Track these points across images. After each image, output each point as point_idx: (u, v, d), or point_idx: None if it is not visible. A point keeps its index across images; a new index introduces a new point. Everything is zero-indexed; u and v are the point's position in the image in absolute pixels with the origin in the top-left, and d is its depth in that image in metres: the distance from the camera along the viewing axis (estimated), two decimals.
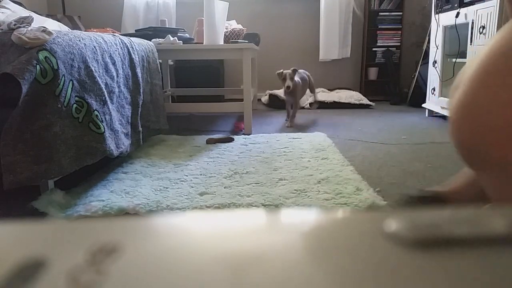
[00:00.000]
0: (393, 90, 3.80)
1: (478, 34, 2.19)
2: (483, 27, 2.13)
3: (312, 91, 3.03)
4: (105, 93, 1.44)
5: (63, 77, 1.23)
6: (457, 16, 2.42)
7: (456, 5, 2.45)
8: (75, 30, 1.60)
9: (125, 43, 1.75)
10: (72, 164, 1.27)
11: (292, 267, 0.17)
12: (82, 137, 1.30)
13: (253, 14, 4.07)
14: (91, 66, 1.38)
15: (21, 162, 1.14)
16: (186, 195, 1.31)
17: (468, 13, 2.32)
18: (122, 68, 1.66)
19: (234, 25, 2.92)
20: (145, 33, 2.57)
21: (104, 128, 1.39)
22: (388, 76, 3.90)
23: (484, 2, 2.14)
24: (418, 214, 0.21)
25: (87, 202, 1.26)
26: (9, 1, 2.34)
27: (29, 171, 1.15)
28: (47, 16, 3.10)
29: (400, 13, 3.90)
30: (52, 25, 2.37)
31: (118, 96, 1.59)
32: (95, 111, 1.36)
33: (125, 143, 1.59)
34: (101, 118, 1.39)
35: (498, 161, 0.53)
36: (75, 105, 1.28)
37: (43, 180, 1.21)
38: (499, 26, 2.00)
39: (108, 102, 1.46)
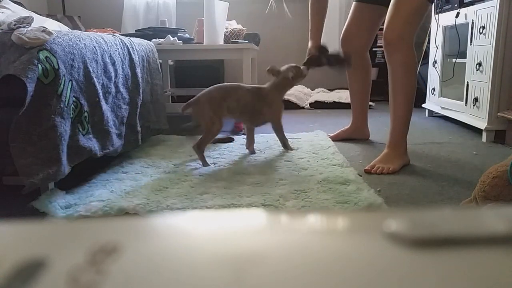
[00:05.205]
0: None
1: (478, 34, 2.19)
2: (483, 27, 2.13)
3: None
4: (100, 94, 1.44)
5: (64, 77, 1.23)
6: (457, 16, 2.42)
7: (456, 5, 2.45)
8: (75, 30, 1.60)
9: (125, 43, 1.75)
10: (68, 164, 1.27)
11: (292, 267, 0.17)
12: (73, 136, 1.30)
13: (253, 14, 4.07)
14: (90, 66, 1.38)
15: (33, 165, 1.13)
16: (186, 195, 1.31)
17: (468, 13, 2.31)
18: (122, 68, 1.66)
19: (234, 25, 2.92)
20: (145, 33, 2.57)
21: (88, 129, 1.38)
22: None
23: (484, 2, 2.13)
24: (418, 214, 0.21)
25: (87, 202, 1.25)
26: (9, 1, 2.34)
27: (43, 172, 1.15)
28: (47, 16, 3.10)
29: None
30: (52, 25, 2.37)
31: (114, 97, 1.58)
32: (85, 112, 1.36)
33: (115, 144, 1.57)
34: (88, 119, 1.39)
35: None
36: (72, 106, 1.28)
37: (52, 181, 1.21)
38: (499, 26, 2.00)
39: (102, 103, 1.46)
